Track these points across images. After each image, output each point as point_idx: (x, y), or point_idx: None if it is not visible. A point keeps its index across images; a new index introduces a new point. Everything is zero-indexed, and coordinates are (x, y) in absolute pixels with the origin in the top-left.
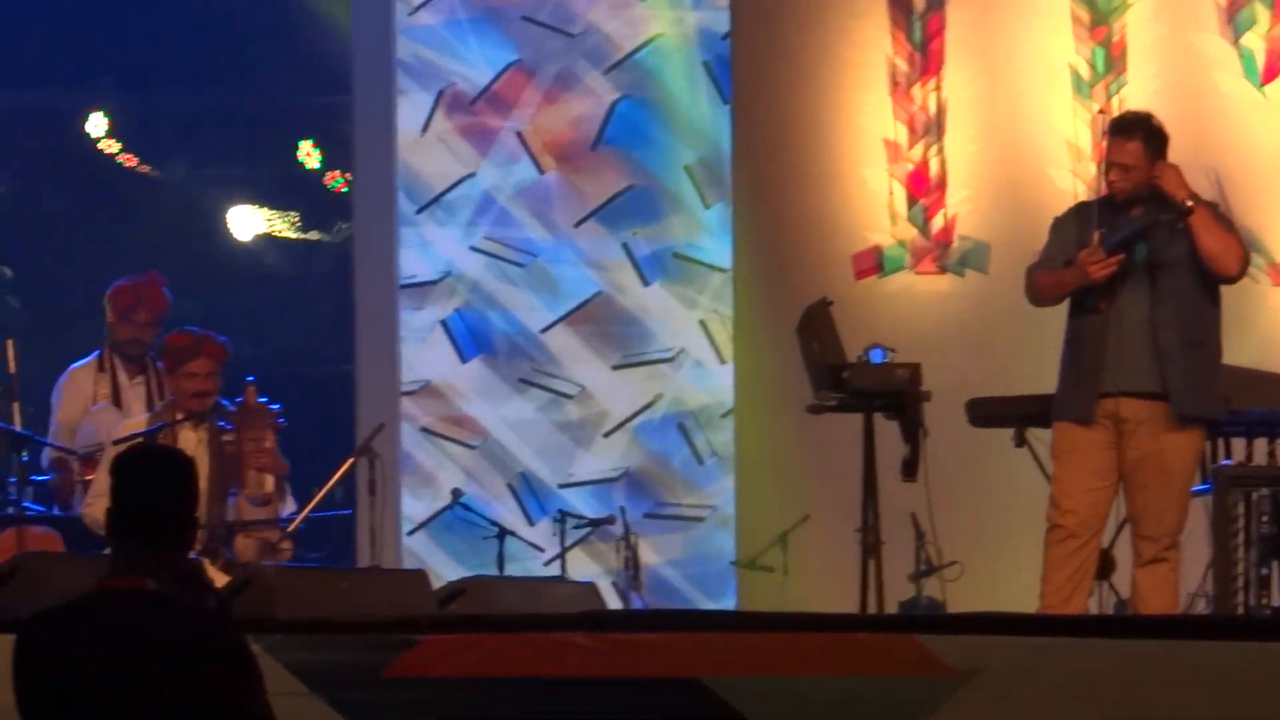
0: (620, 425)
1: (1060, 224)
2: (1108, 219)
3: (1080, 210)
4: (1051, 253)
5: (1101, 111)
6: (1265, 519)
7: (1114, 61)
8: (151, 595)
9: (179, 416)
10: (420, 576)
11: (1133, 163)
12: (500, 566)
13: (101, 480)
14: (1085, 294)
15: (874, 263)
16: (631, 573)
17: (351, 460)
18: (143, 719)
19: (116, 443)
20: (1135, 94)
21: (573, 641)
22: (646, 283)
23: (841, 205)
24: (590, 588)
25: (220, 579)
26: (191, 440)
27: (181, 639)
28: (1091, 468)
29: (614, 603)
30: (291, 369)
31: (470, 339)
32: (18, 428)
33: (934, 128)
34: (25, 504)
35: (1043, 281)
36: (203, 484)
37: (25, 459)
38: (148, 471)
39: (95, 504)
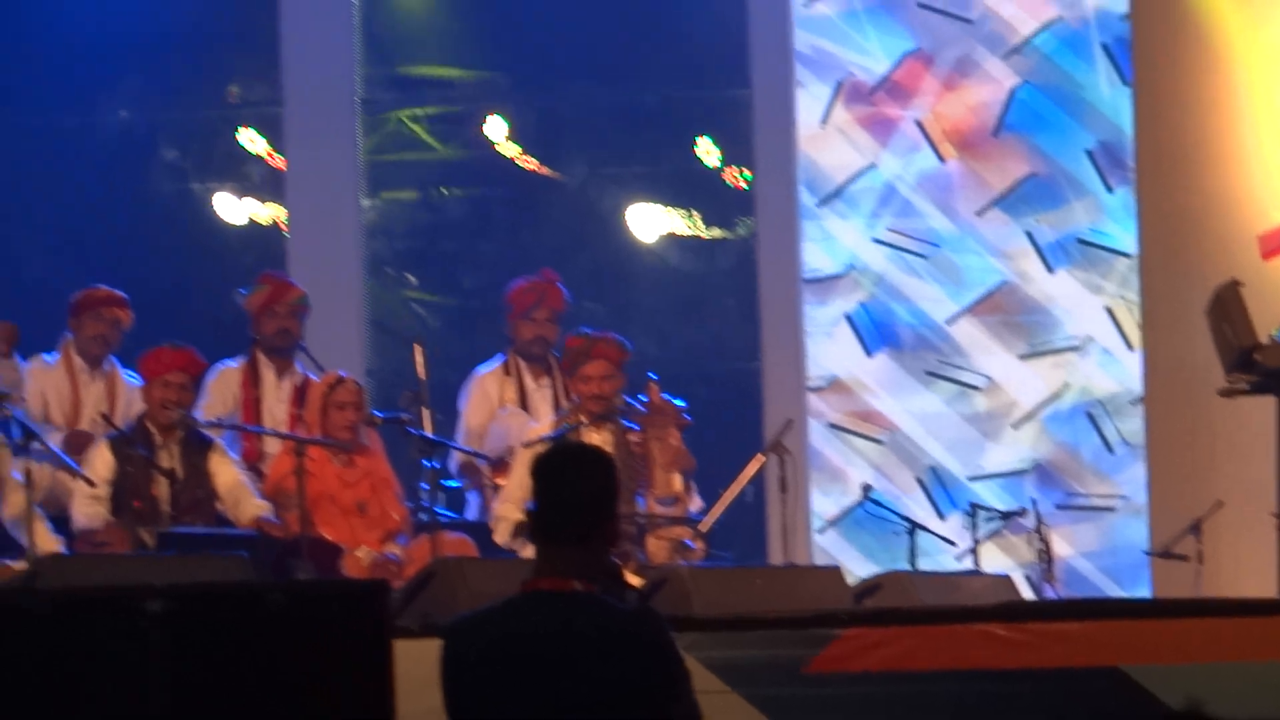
0: (1029, 416)
1: None
2: None
3: None
4: None
5: None
6: None
7: None
8: (580, 595)
9: (582, 420)
10: (835, 572)
11: None
12: (912, 561)
13: (511, 486)
14: None
15: None
16: (1045, 565)
17: (761, 457)
18: (575, 718)
19: (526, 446)
20: None
21: (993, 633)
22: (1051, 270)
23: (1246, 185)
24: (1006, 580)
25: (634, 581)
26: (596, 441)
27: (613, 638)
28: None
29: (1028, 595)
30: (696, 367)
31: (875, 332)
32: (428, 433)
33: None
34: (438, 509)
35: None
36: None
37: (436, 465)
38: (571, 471)
39: (503, 509)
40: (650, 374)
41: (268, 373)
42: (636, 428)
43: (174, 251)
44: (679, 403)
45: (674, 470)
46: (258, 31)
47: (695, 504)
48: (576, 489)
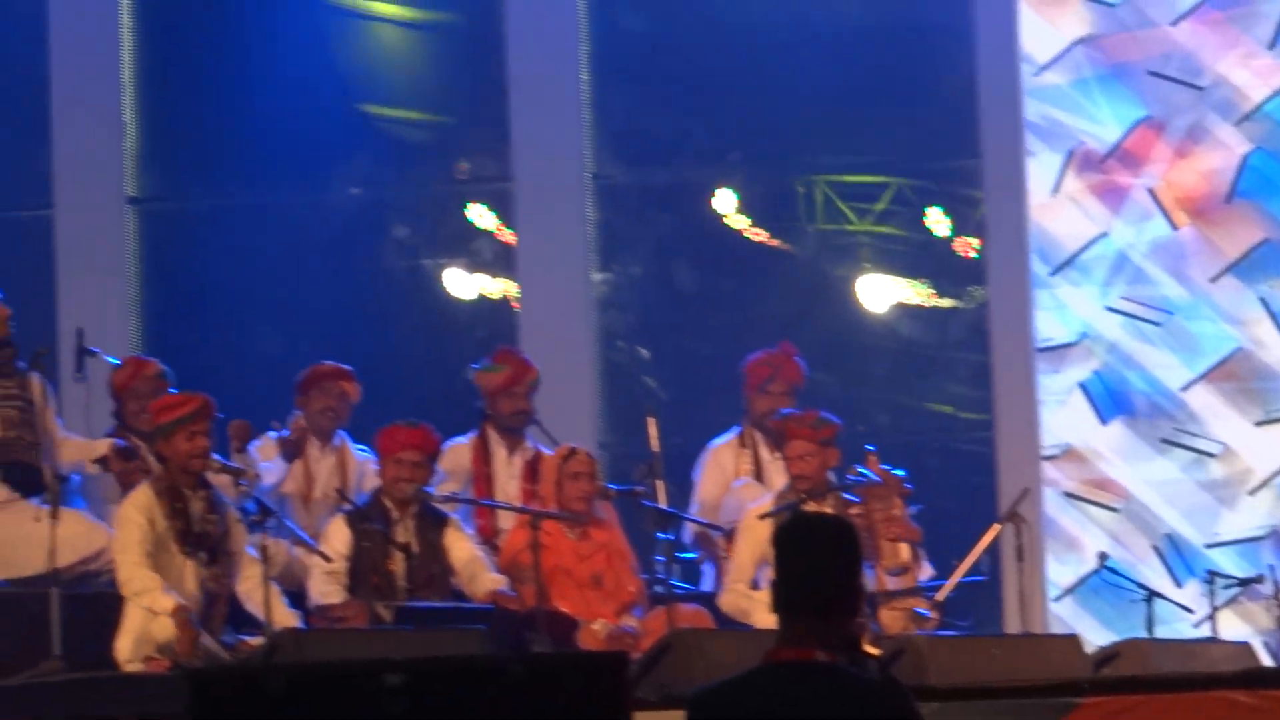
0: (1265, 482)
1: None
2: None
3: None
4: None
5: None
6: None
7: None
8: (823, 666)
9: (801, 495)
10: (1074, 640)
11: None
12: (1149, 629)
13: (737, 562)
14: None
15: None
16: None
17: (998, 526)
18: None
19: (761, 518)
20: None
21: (1235, 700)
22: None
23: None
24: (1245, 647)
25: (872, 651)
26: None
27: (857, 710)
28: None
29: (1267, 663)
30: (930, 437)
31: (1109, 400)
32: (663, 505)
33: None
34: (673, 581)
35: None
36: None
37: (671, 537)
38: (812, 540)
39: (732, 590)
40: (868, 445)
41: (499, 449)
42: (857, 500)
43: (405, 327)
44: (899, 473)
45: (899, 540)
46: (487, 107)
47: (925, 573)
48: (818, 558)
